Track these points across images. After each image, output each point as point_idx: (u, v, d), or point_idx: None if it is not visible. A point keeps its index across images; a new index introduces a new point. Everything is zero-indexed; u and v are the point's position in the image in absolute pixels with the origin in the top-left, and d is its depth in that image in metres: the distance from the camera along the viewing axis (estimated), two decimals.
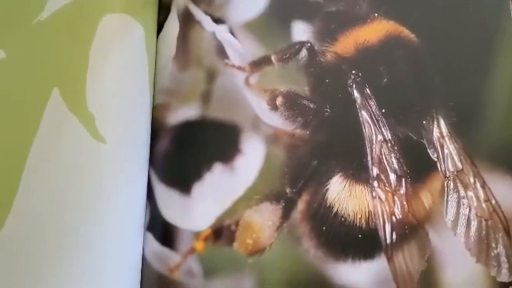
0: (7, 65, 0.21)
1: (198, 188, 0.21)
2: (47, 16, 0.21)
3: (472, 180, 0.22)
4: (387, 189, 0.21)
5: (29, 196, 0.19)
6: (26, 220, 0.19)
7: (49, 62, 0.21)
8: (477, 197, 0.21)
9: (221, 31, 0.23)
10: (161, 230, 0.21)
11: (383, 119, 0.22)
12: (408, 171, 0.21)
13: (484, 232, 0.21)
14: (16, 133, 0.20)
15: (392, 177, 0.21)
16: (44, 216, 0.19)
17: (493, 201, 0.21)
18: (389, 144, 0.21)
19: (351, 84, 0.22)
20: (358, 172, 0.21)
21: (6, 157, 0.20)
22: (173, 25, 0.23)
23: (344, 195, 0.21)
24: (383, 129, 0.22)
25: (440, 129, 0.22)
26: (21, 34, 0.21)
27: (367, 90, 0.22)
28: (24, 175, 0.19)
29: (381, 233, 0.21)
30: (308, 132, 0.22)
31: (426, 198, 0.21)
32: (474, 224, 0.21)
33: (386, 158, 0.21)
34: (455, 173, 0.22)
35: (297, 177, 0.21)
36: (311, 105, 0.22)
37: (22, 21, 0.21)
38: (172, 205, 0.21)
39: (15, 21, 0.21)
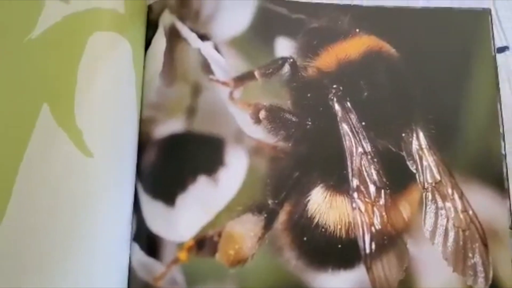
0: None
1: (182, 200, 0.22)
2: (38, 34, 0.22)
3: (450, 191, 0.22)
4: (367, 200, 0.22)
5: (20, 207, 0.20)
6: (18, 229, 0.20)
7: (40, 79, 0.21)
8: (455, 208, 0.22)
9: (206, 48, 0.24)
10: (147, 240, 0.22)
11: (363, 132, 0.22)
12: (387, 183, 0.22)
13: (461, 242, 0.21)
14: (7, 147, 0.20)
15: (372, 188, 0.22)
16: (34, 226, 0.20)
17: (471, 212, 0.22)
18: (369, 156, 0.22)
19: (332, 98, 0.23)
20: (338, 183, 0.22)
21: None
22: (160, 41, 0.24)
23: (324, 206, 0.22)
24: (363, 142, 0.22)
25: (419, 142, 0.23)
26: (13, 51, 0.22)
27: (348, 103, 0.23)
28: (15, 187, 0.20)
29: (360, 243, 0.21)
30: (290, 145, 0.23)
31: (405, 209, 0.22)
32: (451, 235, 0.22)
33: (366, 170, 0.22)
34: (434, 184, 0.22)
35: (279, 189, 0.22)
36: (293, 119, 0.23)
37: (14, 39, 0.22)
38: (157, 217, 0.22)
39: (8, 39, 0.22)
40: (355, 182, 0.22)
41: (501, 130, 0.23)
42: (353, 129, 0.22)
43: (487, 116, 0.23)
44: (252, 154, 0.23)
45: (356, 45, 0.23)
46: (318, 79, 0.23)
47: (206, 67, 0.23)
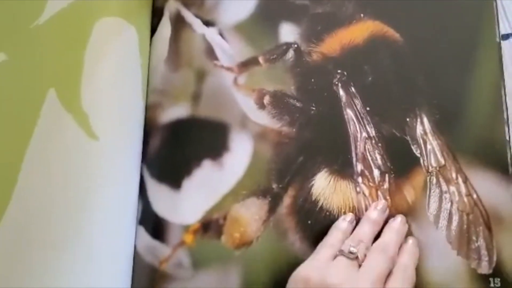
0: (8, 67, 0.22)
1: (188, 184, 0.22)
2: (45, 20, 0.22)
3: (454, 175, 0.22)
4: (371, 184, 0.22)
5: (27, 190, 0.20)
6: (24, 213, 0.20)
7: (47, 64, 0.22)
8: (459, 192, 0.22)
9: (211, 33, 0.24)
10: (152, 223, 0.22)
11: (368, 117, 0.22)
12: (391, 167, 0.22)
13: (465, 226, 0.22)
14: (15, 130, 0.21)
15: (376, 173, 0.22)
16: (42, 209, 0.20)
17: (475, 196, 0.22)
18: (373, 141, 0.22)
19: (336, 83, 0.23)
20: (342, 168, 0.22)
21: (5, 152, 0.20)
22: (165, 28, 0.24)
23: (329, 190, 0.22)
24: (367, 127, 0.22)
25: (423, 126, 0.23)
26: (21, 37, 0.22)
27: (352, 88, 0.23)
28: (22, 169, 0.20)
29: None
30: (294, 130, 0.23)
31: (409, 193, 0.22)
32: (455, 218, 0.22)
33: (370, 155, 0.22)
34: (438, 168, 0.22)
35: (284, 173, 0.22)
36: (298, 104, 0.23)
37: (22, 25, 0.22)
38: (162, 200, 0.22)
39: (16, 25, 0.22)
40: (359, 167, 0.22)
41: (505, 116, 0.23)
42: (358, 114, 0.22)
43: (491, 102, 0.23)
44: (257, 139, 0.23)
45: (360, 30, 0.23)
46: (322, 65, 0.23)
47: (211, 53, 0.24)
